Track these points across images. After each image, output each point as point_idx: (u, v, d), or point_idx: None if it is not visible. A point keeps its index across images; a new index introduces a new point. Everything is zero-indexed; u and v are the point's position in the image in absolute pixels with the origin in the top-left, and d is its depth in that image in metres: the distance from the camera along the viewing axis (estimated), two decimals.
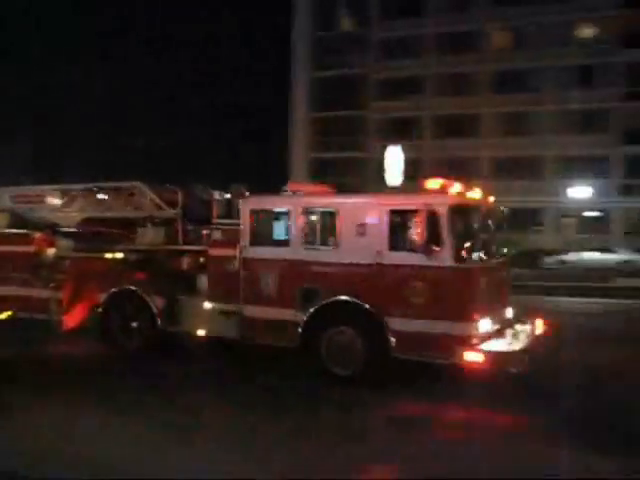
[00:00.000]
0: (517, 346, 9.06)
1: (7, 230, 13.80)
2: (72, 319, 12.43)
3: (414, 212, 9.32)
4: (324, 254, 10.00)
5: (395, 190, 11.58)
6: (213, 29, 58.24)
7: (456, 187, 9.44)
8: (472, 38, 44.55)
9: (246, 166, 39.78)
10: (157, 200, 12.16)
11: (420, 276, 9.18)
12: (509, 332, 9.45)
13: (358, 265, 9.67)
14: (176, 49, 60.63)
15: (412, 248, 9.27)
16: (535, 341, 9.63)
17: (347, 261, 9.77)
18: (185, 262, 12.01)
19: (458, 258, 9.00)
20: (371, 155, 44.60)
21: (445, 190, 9.32)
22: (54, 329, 12.32)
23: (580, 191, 42.64)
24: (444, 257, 9.00)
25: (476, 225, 9.81)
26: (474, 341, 8.88)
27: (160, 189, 12.35)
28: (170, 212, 12.05)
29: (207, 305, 11.06)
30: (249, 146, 51.15)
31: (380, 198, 9.96)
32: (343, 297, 9.67)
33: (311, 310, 9.86)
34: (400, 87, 46.20)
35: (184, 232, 12.03)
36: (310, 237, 10.17)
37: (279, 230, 10.66)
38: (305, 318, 9.88)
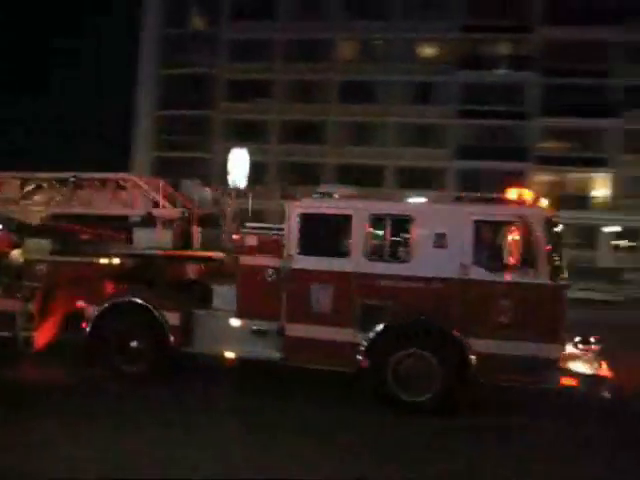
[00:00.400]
0: (603, 369, 8.65)
1: None
2: (44, 336, 10.47)
3: (504, 224, 8.62)
4: (393, 267, 8.92)
5: (478, 198, 10.27)
6: (58, 22, 54.85)
7: (542, 199, 8.94)
8: (322, 47, 45.17)
9: (86, 163, 37.45)
10: (156, 197, 10.73)
11: (511, 293, 8.42)
12: (589, 354, 8.80)
13: (436, 280, 8.68)
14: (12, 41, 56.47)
15: (501, 263, 8.47)
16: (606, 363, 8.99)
17: (422, 275, 8.72)
18: (202, 270, 10.85)
19: (553, 275, 8.39)
20: (215, 156, 43.70)
21: (537, 202, 8.84)
22: (20, 348, 10.23)
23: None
24: (539, 274, 8.33)
25: (558, 239, 9.03)
26: (563, 364, 8.45)
27: (158, 184, 10.87)
28: (176, 210, 10.69)
29: (235, 322, 9.55)
30: (91, 142, 48.53)
31: (465, 206, 9.15)
32: (418, 316, 8.71)
33: (377, 330, 8.78)
34: (248, 89, 45.82)
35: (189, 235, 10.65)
36: (376, 247, 9.04)
37: (336, 238, 9.31)
38: (369, 339, 8.79)
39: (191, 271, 11.12)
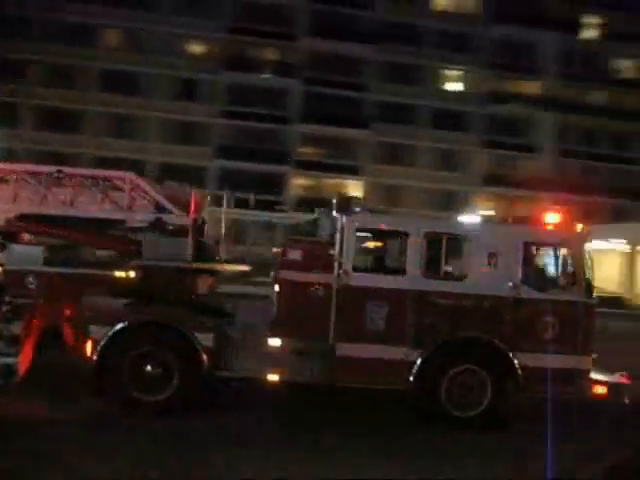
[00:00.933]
0: (624, 376, 9.17)
1: None
2: (26, 361, 8.27)
3: (551, 246, 9.09)
4: (448, 285, 8.81)
5: (522, 219, 10.34)
6: None
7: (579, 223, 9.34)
8: (83, 32, 42.89)
9: None
10: (162, 200, 9.32)
11: (554, 310, 8.79)
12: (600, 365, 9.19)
13: (488, 298, 8.77)
14: None
15: (547, 282, 8.98)
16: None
17: (475, 293, 8.76)
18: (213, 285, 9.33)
19: (589, 293, 8.91)
20: None
21: (576, 225, 9.24)
22: None
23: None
24: (579, 292, 8.84)
25: (591, 260, 9.19)
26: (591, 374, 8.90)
27: (162, 186, 9.66)
28: (190, 217, 9.23)
29: (274, 342, 8.61)
30: None
31: (516, 228, 9.53)
32: (471, 333, 8.76)
33: (432, 347, 8.63)
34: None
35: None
36: (432, 265, 8.79)
37: (392, 255, 9.11)
38: (423, 356, 8.61)
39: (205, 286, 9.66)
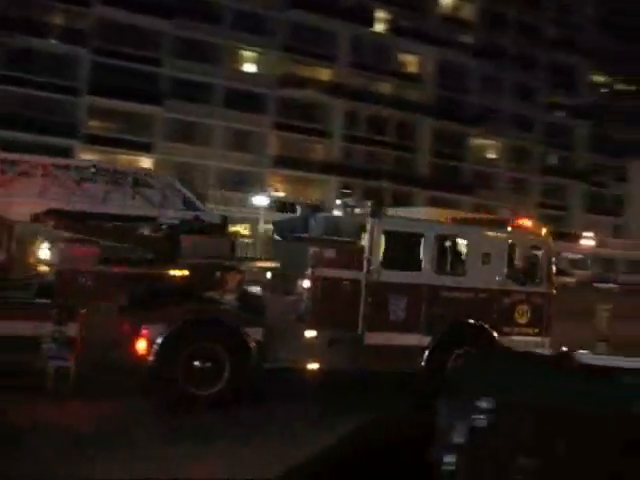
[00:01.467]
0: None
1: None
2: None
3: (528, 247, 10.88)
4: (454, 280, 10.38)
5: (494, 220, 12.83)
6: None
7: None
8: None
9: None
10: (193, 198, 9.85)
11: (528, 300, 10.73)
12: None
13: (481, 290, 10.49)
14: None
15: (524, 276, 10.72)
16: None
17: (473, 286, 10.44)
18: (281, 281, 9.82)
19: (553, 286, 11.05)
20: None
21: (543, 228, 11.40)
22: (50, 383, 7.89)
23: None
24: (547, 285, 10.95)
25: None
26: None
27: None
28: (220, 215, 10.22)
29: (310, 333, 9.46)
30: None
31: (503, 232, 10.94)
32: (467, 320, 10.38)
33: (440, 333, 10.06)
34: None
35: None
36: (441, 263, 10.34)
37: (412, 254, 10.19)
38: (431, 342, 10.02)
39: (277, 282, 10.18)
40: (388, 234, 10.03)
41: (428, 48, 51.37)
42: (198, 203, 10.11)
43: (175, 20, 43.70)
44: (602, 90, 61.19)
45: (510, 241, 10.77)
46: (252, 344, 9.03)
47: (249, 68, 48.78)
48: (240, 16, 45.97)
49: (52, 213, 8.96)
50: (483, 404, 2.69)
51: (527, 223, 11.41)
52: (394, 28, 51.24)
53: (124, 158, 44.12)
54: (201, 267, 9.50)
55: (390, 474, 3.84)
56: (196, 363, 8.79)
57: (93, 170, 9.56)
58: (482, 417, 2.67)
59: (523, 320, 10.73)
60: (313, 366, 9.45)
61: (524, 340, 10.41)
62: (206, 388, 8.85)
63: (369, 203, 10.56)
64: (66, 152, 41.06)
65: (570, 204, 58.72)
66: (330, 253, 9.79)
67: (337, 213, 11.09)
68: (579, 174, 58.32)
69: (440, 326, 10.10)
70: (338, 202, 11.34)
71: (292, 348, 9.36)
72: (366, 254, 9.76)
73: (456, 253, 10.52)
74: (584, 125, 58.72)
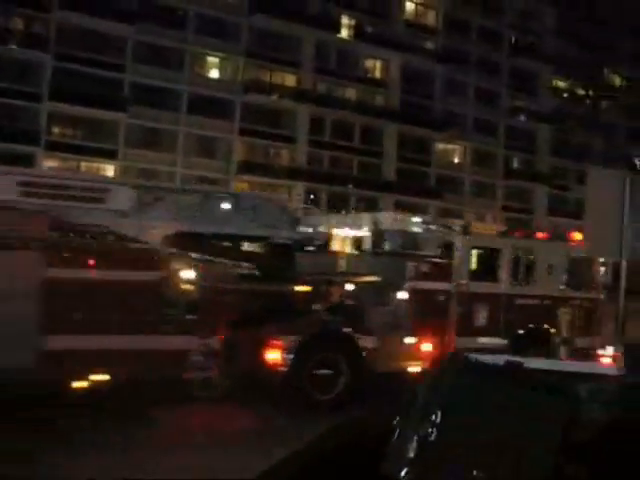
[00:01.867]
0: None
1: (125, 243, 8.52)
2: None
3: (584, 260, 11.91)
4: (524, 289, 11.65)
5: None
6: None
7: None
8: None
9: None
10: (298, 219, 10.43)
11: (584, 305, 11.95)
12: None
13: (547, 297, 11.67)
14: None
15: (580, 284, 12.00)
16: None
17: (539, 294, 11.67)
18: (389, 295, 10.67)
19: (600, 291, 12.30)
20: None
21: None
22: (197, 392, 8.76)
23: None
24: (598, 291, 12.22)
25: None
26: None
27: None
28: (325, 234, 11.21)
29: (410, 340, 10.52)
30: None
31: (563, 246, 12.32)
32: (538, 325, 11.70)
33: (514, 336, 11.26)
34: None
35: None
36: (515, 274, 11.67)
37: (493, 267, 11.51)
38: (506, 345, 11.07)
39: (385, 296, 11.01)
40: (474, 250, 11.74)
41: (393, 54, 51.72)
42: (306, 224, 11.14)
43: (137, 25, 43.35)
44: (563, 95, 62.17)
45: (568, 253, 12.25)
46: (365, 352, 10.17)
47: (214, 74, 48.59)
48: (204, 21, 45.79)
49: (182, 235, 9.76)
50: (434, 418, 2.74)
51: (579, 236, 12.48)
52: (359, 34, 51.49)
53: (87, 165, 43.67)
54: (317, 282, 10.71)
55: None
56: (321, 371, 9.90)
57: (216, 195, 10.29)
58: (433, 431, 2.72)
59: (580, 322, 11.95)
60: (415, 369, 10.31)
61: (582, 340, 11.70)
62: (327, 393, 9.95)
63: (457, 222, 12.49)
64: (29, 160, 40.53)
65: (533, 207, 59.58)
66: (425, 267, 11.19)
67: (415, 230, 12.62)
68: (541, 177, 59.20)
69: (515, 330, 11.47)
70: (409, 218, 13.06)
71: (396, 354, 10.53)
72: (455, 267, 11.23)
73: (527, 265, 11.91)
74: (546, 129, 59.64)
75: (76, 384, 8.50)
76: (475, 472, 2.71)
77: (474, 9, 55.44)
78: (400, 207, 44.58)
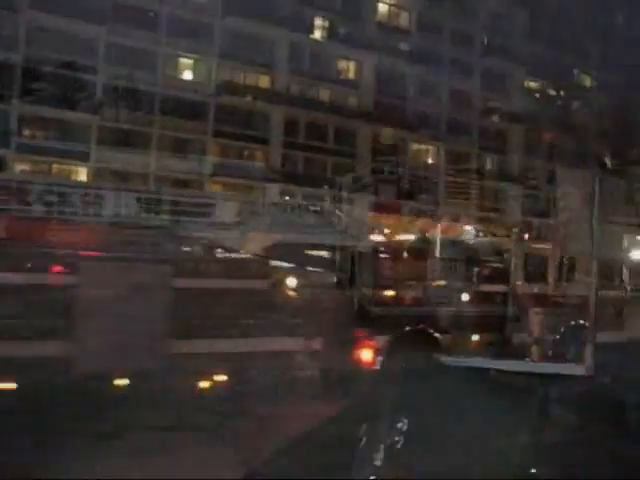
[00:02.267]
0: None
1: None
2: None
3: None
4: (566, 289, 12.94)
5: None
6: None
7: None
8: None
9: None
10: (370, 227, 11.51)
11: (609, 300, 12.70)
12: None
13: (584, 296, 11.92)
14: None
15: (611, 283, 13.32)
16: None
17: (578, 293, 12.39)
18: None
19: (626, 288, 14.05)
20: None
21: None
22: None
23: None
24: (623, 288, 13.88)
25: None
26: None
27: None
28: None
29: (475, 337, 11.99)
30: None
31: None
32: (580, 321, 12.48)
33: (559, 332, 12.73)
34: None
35: None
36: (559, 275, 13.11)
37: (541, 269, 12.92)
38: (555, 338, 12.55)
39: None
40: (526, 255, 13.18)
41: (366, 55, 51.84)
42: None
43: (108, 26, 42.95)
44: (535, 95, 62.85)
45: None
46: (444, 349, 11.23)
47: (187, 75, 48.32)
48: (176, 23, 45.52)
49: (277, 245, 10.35)
50: (399, 425, 2.75)
51: None
52: (332, 35, 51.54)
53: (59, 167, 43.21)
54: (399, 287, 11.92)
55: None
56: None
57: (299, 204, 10.60)
58: (399, 439, 2.73)
59: (611, 317, 13.05)
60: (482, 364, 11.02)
61: (614, 333, 12.71)
62: None
63: (514, 231, 14.18)
64: None
65: (506, 207, 60.12)
66: (486, 272, 12.79)
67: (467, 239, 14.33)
68: (513, 177, 59.76)
69: (560, 326, 12.79)
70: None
71: (465, 349, 11.62)
72: (512, 271, 12.69)
73: (568, 267, 13.29)
74: (518, 129, 60.21)
75: (200, 384, 9.36)
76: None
77: (447, 11, 55.81)
78: (375, 208, 44.69)
